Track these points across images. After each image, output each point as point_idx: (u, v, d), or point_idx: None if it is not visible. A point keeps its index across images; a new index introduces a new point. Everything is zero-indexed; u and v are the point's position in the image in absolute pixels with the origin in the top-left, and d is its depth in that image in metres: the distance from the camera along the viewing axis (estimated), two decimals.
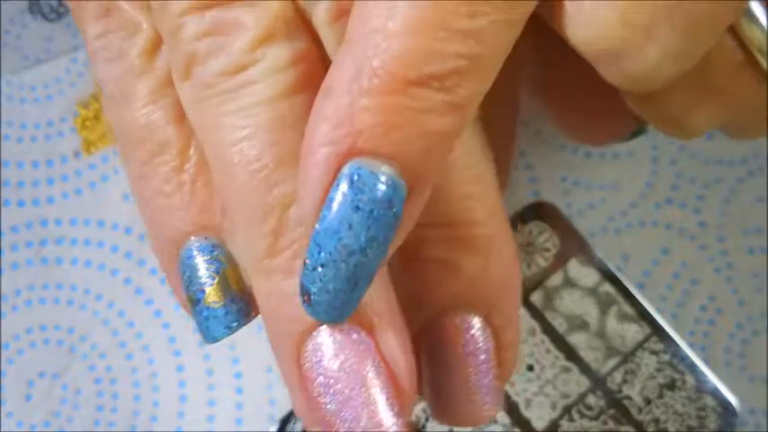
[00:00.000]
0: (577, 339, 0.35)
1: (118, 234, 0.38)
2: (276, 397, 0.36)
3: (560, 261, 0.35)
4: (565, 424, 0.34)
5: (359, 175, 0.15)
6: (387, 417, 0.15)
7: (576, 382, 0.34)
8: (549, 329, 0.35)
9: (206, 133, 0.18)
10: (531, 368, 0.34)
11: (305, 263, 0.15)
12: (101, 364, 0.36)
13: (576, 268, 0.35)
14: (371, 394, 0.15)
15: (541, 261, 0.35)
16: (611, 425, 0.34)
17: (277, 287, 0.17)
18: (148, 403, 0.36)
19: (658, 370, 0.34)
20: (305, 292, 0.15)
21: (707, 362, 0.35)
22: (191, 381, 0.36)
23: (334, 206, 0.15)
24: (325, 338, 0.16)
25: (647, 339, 0.34)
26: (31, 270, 0.37)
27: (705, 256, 0.36)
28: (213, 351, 0.36)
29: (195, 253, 0.19)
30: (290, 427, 0.34)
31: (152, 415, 0.36)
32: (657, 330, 0.35)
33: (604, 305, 0.35)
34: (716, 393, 0.34)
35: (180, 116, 0.19)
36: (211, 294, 0.19)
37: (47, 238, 0.37)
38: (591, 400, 0.34)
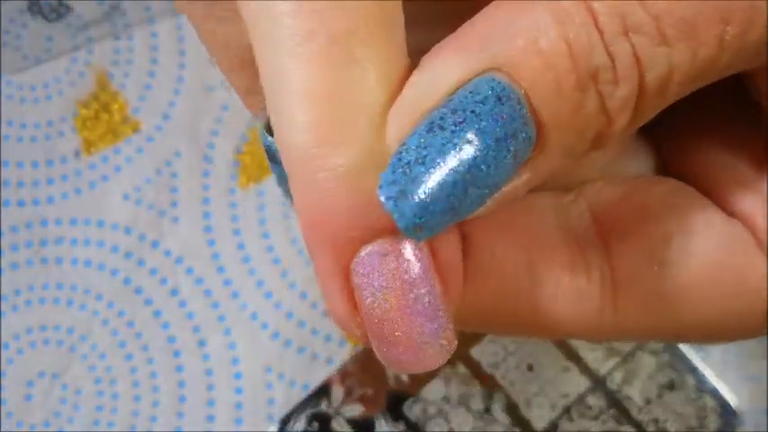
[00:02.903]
0: (577, 339, 0.35)
1: (118, 234, 0.38)
2: (276, 397, 0.36)
3: None
4: (565, 424, 0.34)
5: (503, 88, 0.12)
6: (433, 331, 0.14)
7: (576, 382, 0.34)
8: None
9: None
10: (531, 368, 0.34)
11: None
12: (101, 364, 0.36)
13: None
14: (420, 306, 0.14)
15: None
16: (611, 425, 0.34)
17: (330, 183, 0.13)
18: (148, 403, 0.36)
19: (658, 370, 0.34)
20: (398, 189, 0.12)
21: (706, 362, 0.35)
22: (190, 381, 0.36)
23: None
24: (377, 248, 0.13)
25: None
26: (31, 270, 0.37)
27: None
28: (213, 351, 0.36)
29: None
30: (290, 426, 0.34)
31: (152, 415, 0.36)
32: None
33: None
34: (716, 393, 0.34)
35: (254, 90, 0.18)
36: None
37: (47, 238, 0.37)
38: (591, 400, 0.34)
